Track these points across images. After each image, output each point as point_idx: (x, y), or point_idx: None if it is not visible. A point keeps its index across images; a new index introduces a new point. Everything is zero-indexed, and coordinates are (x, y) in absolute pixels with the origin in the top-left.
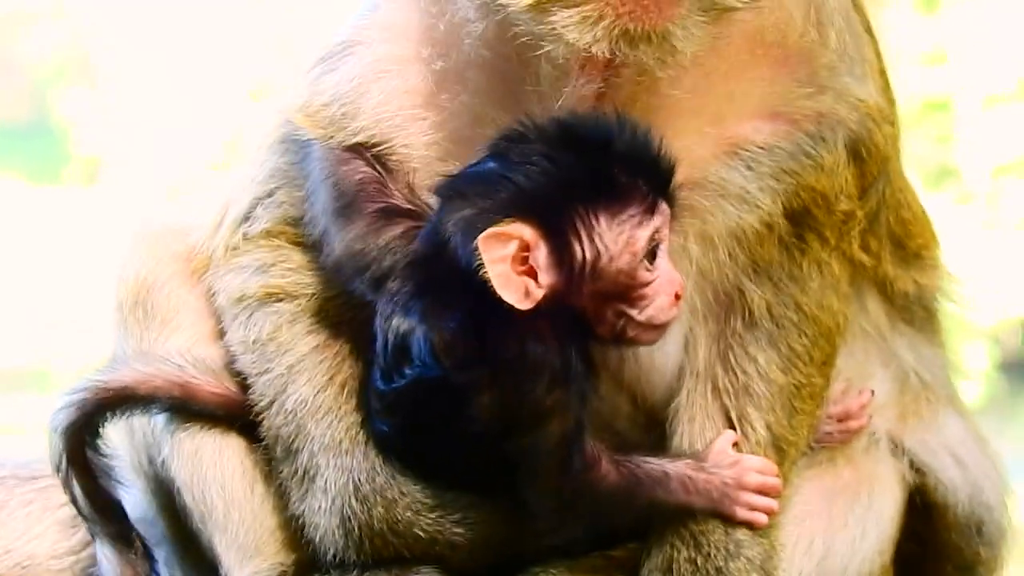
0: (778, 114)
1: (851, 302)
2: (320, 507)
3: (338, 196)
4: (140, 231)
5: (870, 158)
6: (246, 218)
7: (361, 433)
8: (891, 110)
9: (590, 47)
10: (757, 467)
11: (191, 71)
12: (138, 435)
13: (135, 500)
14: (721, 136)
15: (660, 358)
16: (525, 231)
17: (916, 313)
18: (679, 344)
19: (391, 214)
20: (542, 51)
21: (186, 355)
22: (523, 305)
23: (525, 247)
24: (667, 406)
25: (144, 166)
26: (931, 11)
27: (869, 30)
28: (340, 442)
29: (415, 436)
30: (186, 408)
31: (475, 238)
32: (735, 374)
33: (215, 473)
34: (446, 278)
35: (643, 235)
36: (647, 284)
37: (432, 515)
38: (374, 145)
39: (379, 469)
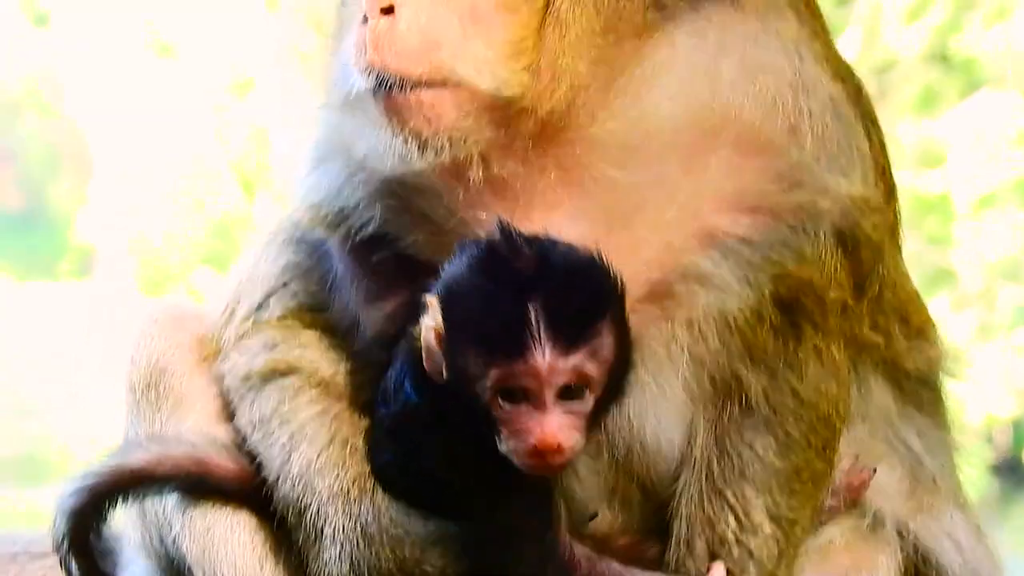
0: (757, 208)
1: (851, 388)
2: (330, 557)
3: (368, 288)
4: (153, 316)
5: (861, 247)
6: (258, 307)
7: (368, 482)
8: (882, 197)
9: (368, 158)
10: None
11: (185, 162)
12: (149, 514)
13: None
14: (695, 225)
15: (666, 447)
16: (439, 317)
17: (924, 396)
18: (684, 433)
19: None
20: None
21: (199, 435)
22: (435, 377)
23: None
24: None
25: (137, 256)
26: (928, 113)
27: (867, 118)
28: (348, 491)
29: (407, 465)
30: (202, 485)
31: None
32: (730, 458)
33: (226, 551)
34: None
35: (494, 372)
36: (501, 421)
37: (437, 551)
38: (381, 236)
39: (384, 510)
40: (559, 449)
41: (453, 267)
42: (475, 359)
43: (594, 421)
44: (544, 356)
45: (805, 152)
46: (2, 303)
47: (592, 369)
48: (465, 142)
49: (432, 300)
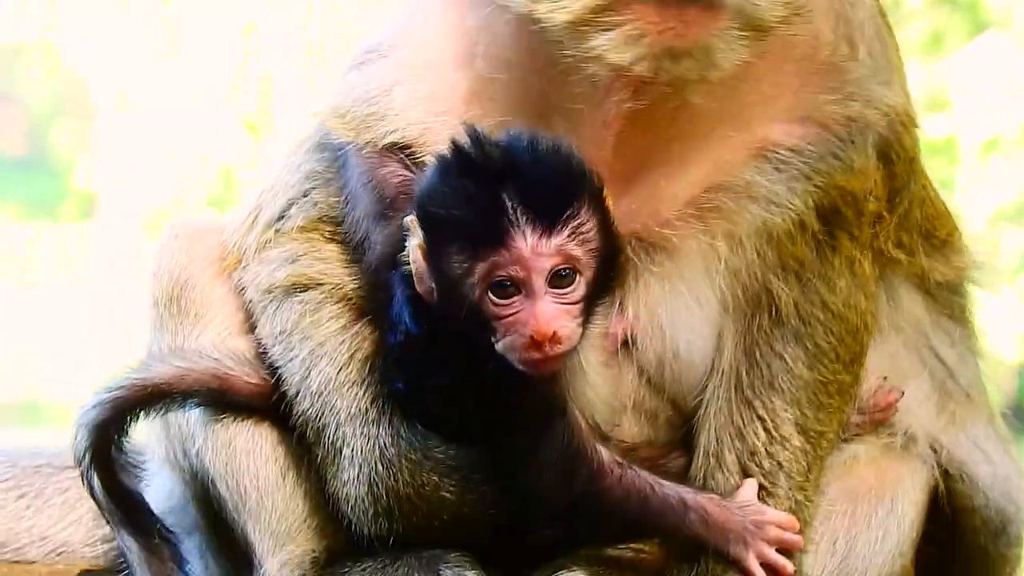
0: (808, 118)
1: (879, 301)
2: (348, 478)
3: (379, 199)
4: (174, 230)
5: (899, 160)
6: (280, 217)
7: (387, 404)
8: (914, 112)
9: (633, 66)
10: (780, 521)
11: (188, 105)
12: (173, 428)
13: (167, 490)
14: (749, 139)
15: (698, 358)
16: (419, 234)
17: (955, 303)
18: (713, 345)
19: None
20: (580, 70)
21: (220, 347)
22: (425, 295)
23: (423, 244)
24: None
25: (141, 200)
26: (935, 55)
27: (891, 32)
28: (366, 411)
29: (415, 394)
30: (223, 400)
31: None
32: (759, 368)
33: (248, 462)
34: None
35: (480, 267)
36: (495, 318)
37: (457, 476)
38: (405, 147)
39: (403, 434)
40: (555, 337)
41: (424, 180)
42: (459, 258)
43: (588, 311)
44: (526, 239)
45: (858, 64)
46: (4, 246)
47: (577, 251)
48: (703, 65)
49: (411, 219)
